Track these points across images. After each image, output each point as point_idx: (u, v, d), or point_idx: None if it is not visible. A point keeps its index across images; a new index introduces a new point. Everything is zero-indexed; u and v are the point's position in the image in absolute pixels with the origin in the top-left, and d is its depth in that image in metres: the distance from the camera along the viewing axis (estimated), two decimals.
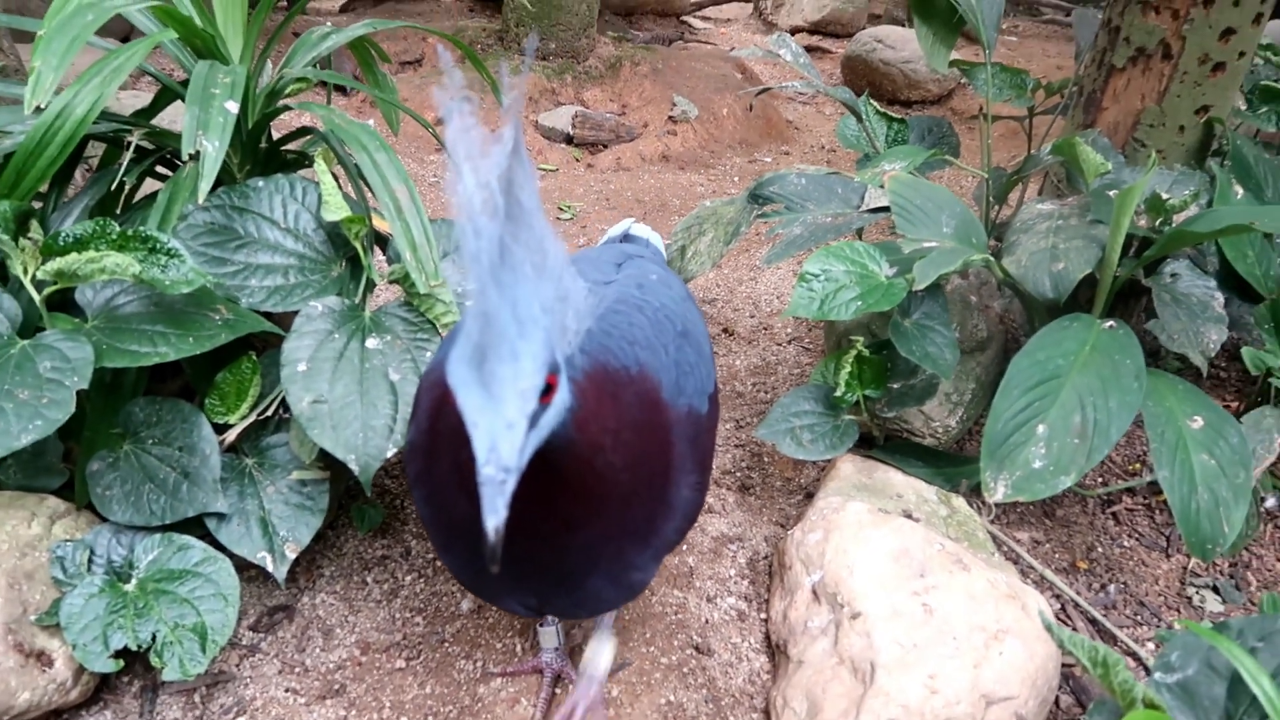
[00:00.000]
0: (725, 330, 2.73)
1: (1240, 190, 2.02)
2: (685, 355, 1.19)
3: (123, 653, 1.35)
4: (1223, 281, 2.01)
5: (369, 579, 1.72)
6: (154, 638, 1.33)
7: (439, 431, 0.98)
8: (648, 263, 1.45)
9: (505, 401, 0.68)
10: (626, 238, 1.85)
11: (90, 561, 1.41)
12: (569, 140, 4.13)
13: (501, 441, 0.68)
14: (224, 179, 1.74)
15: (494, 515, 0.68)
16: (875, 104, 2.58)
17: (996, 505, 1.98)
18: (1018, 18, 7.56)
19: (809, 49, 6.21)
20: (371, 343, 1.51)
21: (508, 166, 0.69)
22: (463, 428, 0.93)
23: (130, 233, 1.32)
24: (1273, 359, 1.92)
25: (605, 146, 4.14)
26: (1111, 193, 1.83)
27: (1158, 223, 1.86)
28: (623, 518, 1.02)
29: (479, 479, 0.68)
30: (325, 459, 1.60)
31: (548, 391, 0.73)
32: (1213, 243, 2.05)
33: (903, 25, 5.67)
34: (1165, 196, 1.84)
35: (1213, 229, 1.58)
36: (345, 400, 1.44)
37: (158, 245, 1.33)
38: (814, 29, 6.57)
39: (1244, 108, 2.49)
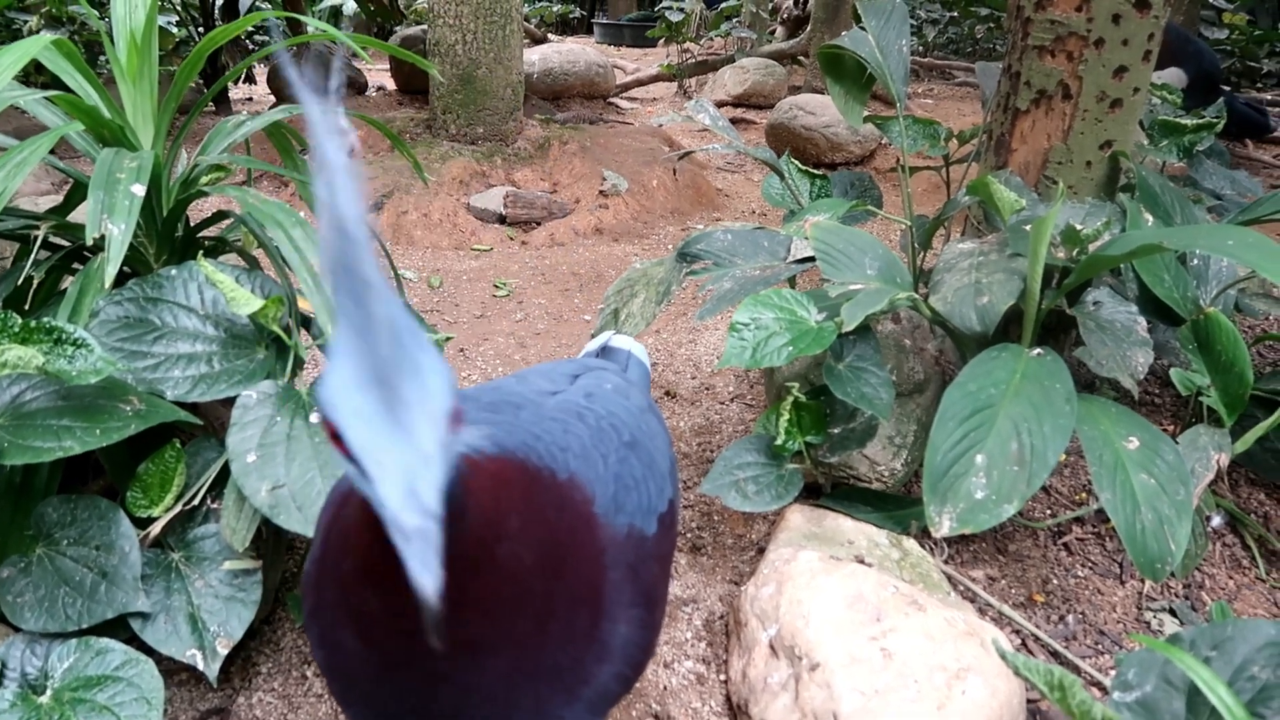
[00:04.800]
0: (667, 393, 2.72)
1: (1150, 218, 2.08)
2: (629, 468, 1.05)
3: None
4: (1144, 307, 2.06)
5: (309, 673, 1.64)
6: None
7: (330, 550, 0.84)
8: (607, 373, 1.32)
9: (418, 429, 0.55)
10: (605, 349, 1.71)
11: (3, 675, 1.32)
12: (502, 220, 4.16)
13: (420, 480, 0.55)
14: (140, 270, 1.71)
15: (429, 573, 0.54)
16: (796, 162, 2.64)
17: (944, 539, 1.97)
18: (932, 82, 7.87)
19: (734, 121, 6.38)
20: (315, 418, 1.47)
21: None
22: (344, 532, 0.78)
23: (34, 324, 1.27)
24: (1200, 378, 1.96)
25: (538, 224, 4.17)
26: (1027, 227, 1.87)
27: (1075, 253, 1.90)
28: (539, 649, 0.83)
29: (399, 533, 0.55)
30: (258, 548, 1.53)
31: (458, 417, 0.60)
32: (1131, 270, 2.11)
33: (822, 94, 5.86)
34: (1079, 227, 1.88)
35: (1125, 251, 1.62)
36: (305, 479, 1.39)
37: (63, 336, 1.28)
38: (737, 102, 6.76)
39: (1147, 143, 2.60)
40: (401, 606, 0.74)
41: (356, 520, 0.75)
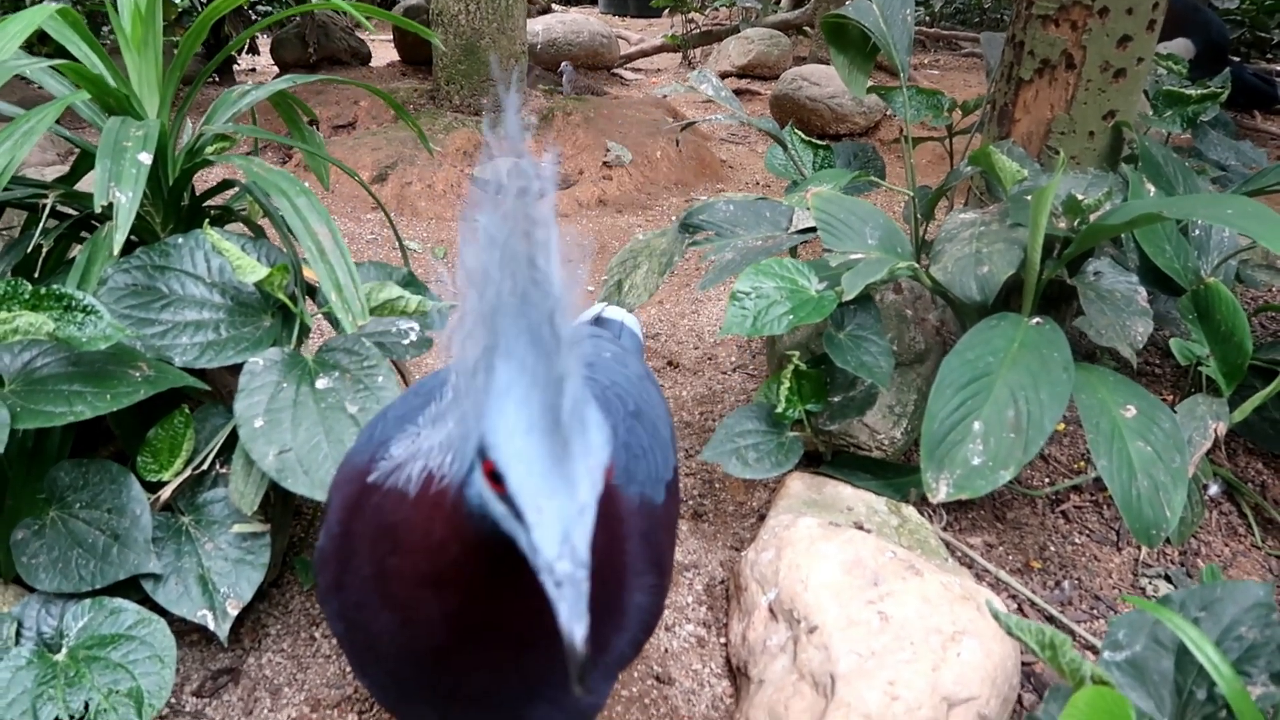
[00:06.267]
0: (670, 363, 2.73)
1: (1152, 189, 2.08)
2: (636, 438, 1.07)
3: None
4: (1144, 277, 2.07)
5: (317, 634, 1.67)
6: (87, 706, 1.28)
7: (355, 534, 0.85)
8: (603, 342, 1.34)
9: (578, 482, 0.58)
10: (598, 321, 1.72)
11: (19, 634, 1.35)
12: None
13: (575, 530, 0.57)
14: (147, 239, 1.72)
15: (580, 622, 0.56)
16: (799, 133, 2.63)
17: (943, 506, 1.99)
18: (938, 52, 7.81)
19: (738, 92, 6.35)
20: (321, 383, 1.49)
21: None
22: (387, 527, 0.80)
23: (44, 291, 1.29)
24: (1199, 348, 1.97)
25: None
26: (1029, 197, 1.88)
27: (1076, 223, 1.91)
28: None
29: (552, 578, 0.57)
30: (266, 512, 1.56)
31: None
32: (1133, 241, 2.11)
33: (827, 64, 5.82)
34: (1081, 197, 1.89)
35: (1126, 220, 1.63)
36: (311, 443, 1.42)
37: (73, 303, 1.30)
38: (742, 73, 6.73)
39: (1152, 113, 2.59)
40: (466, 614, 0.77)
41: (423, 526, 0.76)
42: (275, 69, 6.34)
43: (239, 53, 6.40)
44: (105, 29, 6.12)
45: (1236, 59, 5.39)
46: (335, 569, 0.89)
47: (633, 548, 0.95)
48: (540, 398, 0.58)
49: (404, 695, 0.92)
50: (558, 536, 0.57)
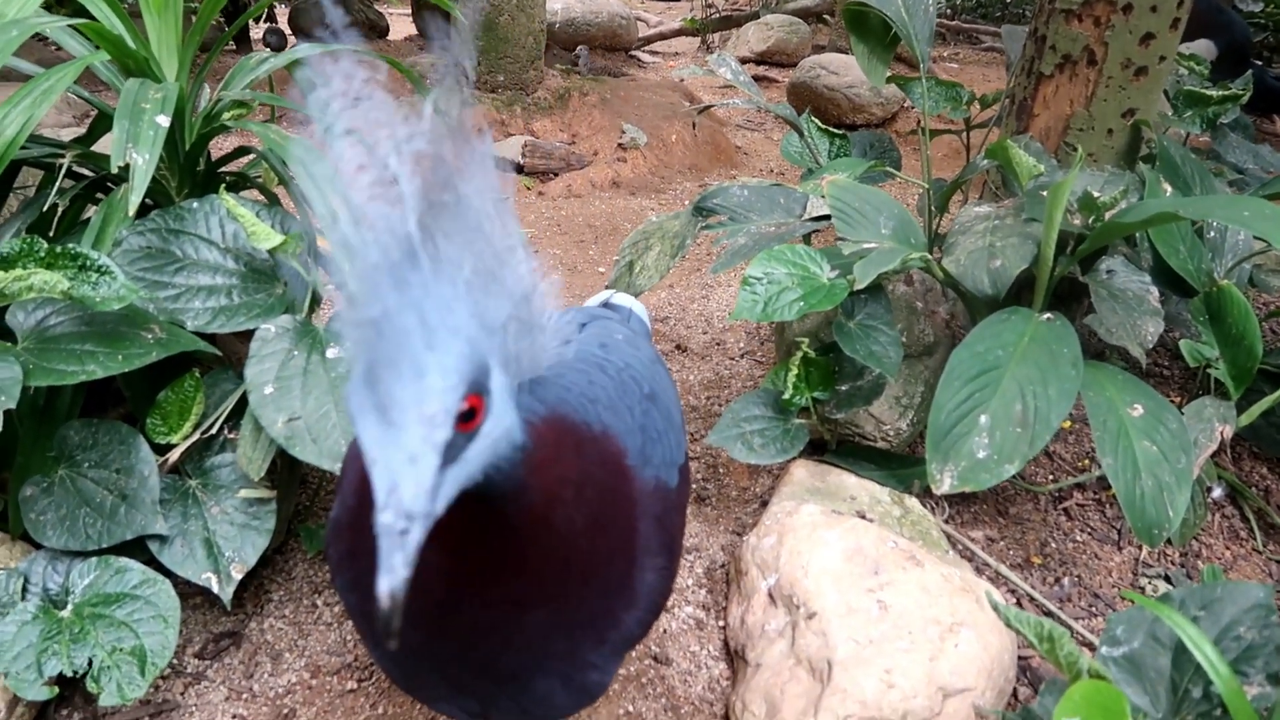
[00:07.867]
0: (678, 347, 2.74)
1: (1169, 188, 2.07)
2: (652, 420, 1.07)
3: (61, 683, 1.31)
4: (1157, 277, 2.06)
5: (319, 602, 1.69)
6: (91, 663, 1.29)
7: (367, 504, 0.88)
8: (613, 323, 1.34)
9: (405, 429, 0.56)
10: (606, 306, 1.71)
11: (25, 590, 1.37)
12: (519, 170, 4.15)
13: (403, 480, 0.55)
14: (161, 202, 1.73)
15: (388, 575, 0.54)
16: (816, 120, 2.63)
17: (946, 499, 1.99)
18: (958, 46, 7.76)
19: (756, 78, 6.32)
20: (332, 353, 1.49)
21: (437, 151, 0.60)
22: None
23: (59, 250, 1.30)
24: (1209, 350, 1.96)
25: (556, 175, 4.17)
26: (1044, 192, 1.87)
27: (1091, 220, 1.90)
28: (580, 600, 0.87)
29: (375, 528, 0.55)
30: (272, 479, 1.57)
31: (471, 417, 0.60)
32: (1146, 240, 2.11)
33: (846, 53, 5.78)
34: (1097, 195, 1.88)
35: (1141, 219, 1.62)
36: (320, 412, 1.42)
37: (88, 262, 1.31)
38: (760, 59, 6.70)
39: (1171, 113, 2.57)
40: (458, 567, 0.78)
41: None
42: (293, 38, 6.32)
43: (256, 20, 6.39)
44: None
45: (1258, 62, 5.34)
46: (350, 538, 0.90)
47: (646, 529, 0.96)
48: (366, 346, 0.57)
49: (417, 667, 0.93)
50: (385, 487, 0.55)
